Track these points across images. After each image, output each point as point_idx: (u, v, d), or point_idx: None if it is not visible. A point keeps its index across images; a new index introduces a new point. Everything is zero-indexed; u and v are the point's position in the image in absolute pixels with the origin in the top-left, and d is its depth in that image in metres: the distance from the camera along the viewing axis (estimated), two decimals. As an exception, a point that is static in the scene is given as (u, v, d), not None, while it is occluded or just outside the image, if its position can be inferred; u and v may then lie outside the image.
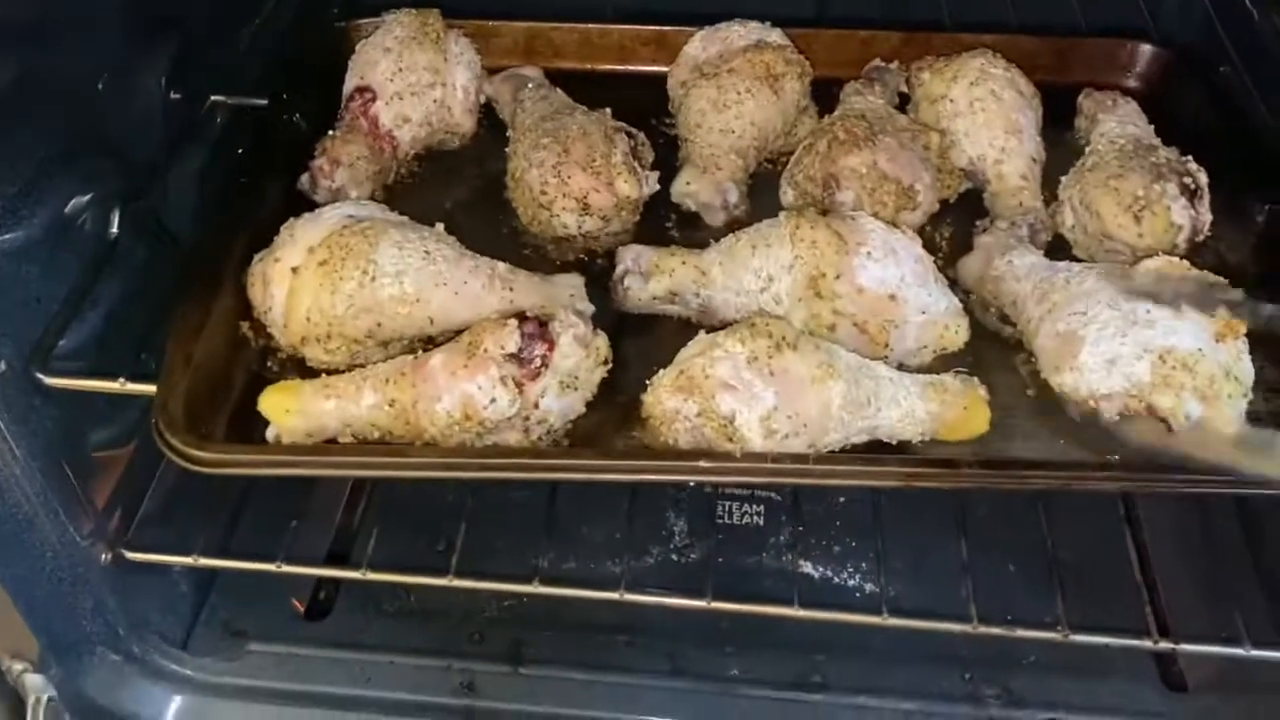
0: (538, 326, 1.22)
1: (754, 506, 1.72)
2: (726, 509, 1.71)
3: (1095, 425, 1.26)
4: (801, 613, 1.38)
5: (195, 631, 1.58)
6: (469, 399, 1.17)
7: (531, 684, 1.52)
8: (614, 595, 1.40)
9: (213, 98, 1.65)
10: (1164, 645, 1.37)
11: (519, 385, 1.20)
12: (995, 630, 1.36)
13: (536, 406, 1.22)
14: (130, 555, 1.42)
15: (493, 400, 1.18)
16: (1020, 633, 1.37)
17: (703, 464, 1.19)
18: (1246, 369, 1.22)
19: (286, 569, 1.44)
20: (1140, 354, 1.20)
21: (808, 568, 1.65)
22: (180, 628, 1.56)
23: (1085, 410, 1.26)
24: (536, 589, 1.41)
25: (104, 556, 1.41)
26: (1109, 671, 1.50)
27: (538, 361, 1.21)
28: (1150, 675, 1.51)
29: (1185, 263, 1.29)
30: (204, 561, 1.44)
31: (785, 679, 1.51)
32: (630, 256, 1.40)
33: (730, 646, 1.55)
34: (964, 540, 1.47)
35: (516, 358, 1.20)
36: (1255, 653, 1.33)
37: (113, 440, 1.43)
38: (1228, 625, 1.39)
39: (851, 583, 1.64)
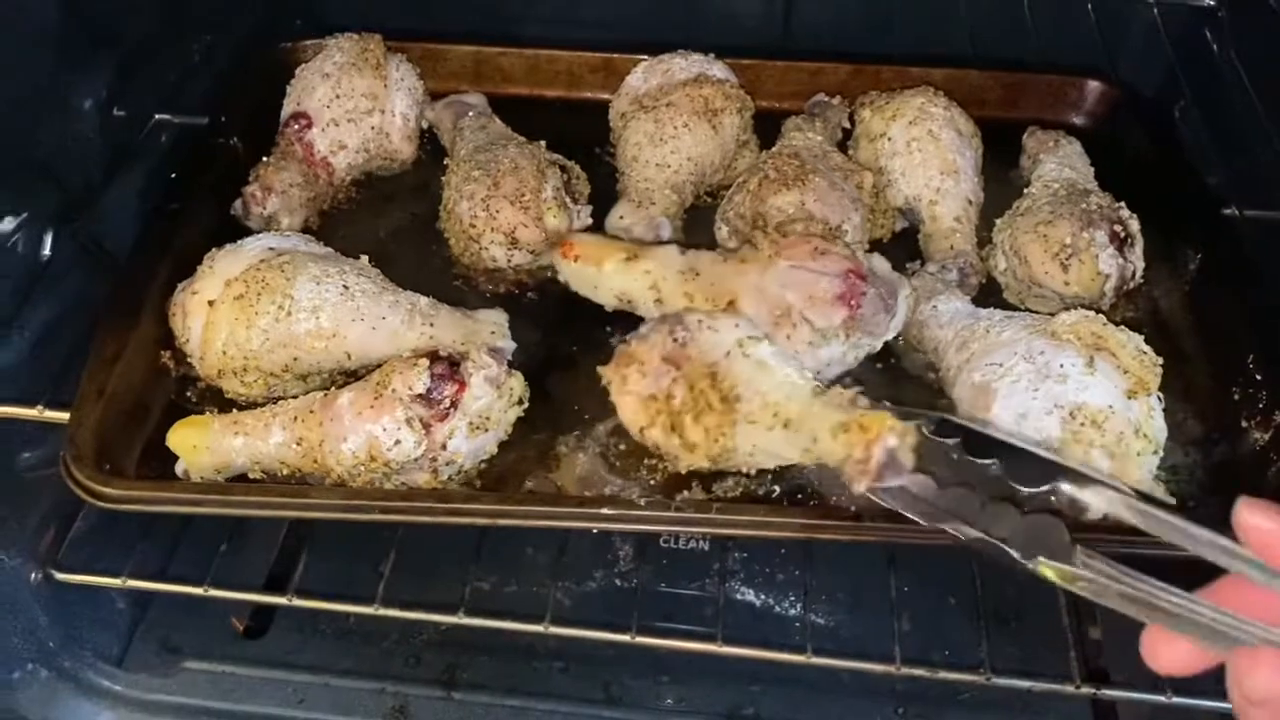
0: (448, 367, 1.19)
1: (700, 532, 1.70)
2: (672, 534, 1.68)
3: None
4: (725, 649, 1.37)
5: (132, 648, 1.57)
6: (374, 440, 1.16)
7: (463, 709, 1.51)
8: (539, 628, 1.39)
9: (157, 116, 1.64)
10: (1085, 690, 1.35)
11: (426, 426, 1.18)
12: (918, 672, 1.35)
13: (444, 448, 1.20)
14: (59, 576, 1.42)
15: (397, 442, 1.16)
16: (943, 675, 1.36)
17: (604, 511, 1.18)
18: (1158, 426, 1.21)
19: (213, 593, 1.43)
20: (1051, 409, 1.19)
21: (749, 595, 1.64)
22: (116, 644, 1.56)
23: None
24: (462, 620, 1.39)
25: (34, 576, 1.41)
26: (1044, 710, 1.48)
27: (447, 403, 1.18)
28: (1085, 716, 1.48)
29: (1101, 317, 1.27)
30: (132, 583, 1.43)
31: (719, 709, 1.50)
32: None
33: (665, 676, 1.54)
34: (893, 574, 1.46)
35: (425, 398, 1.18)
36: (1176, 700, 1.31)
37: (43, 461, 1.42)
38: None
39: (792, 612, 1.62)
